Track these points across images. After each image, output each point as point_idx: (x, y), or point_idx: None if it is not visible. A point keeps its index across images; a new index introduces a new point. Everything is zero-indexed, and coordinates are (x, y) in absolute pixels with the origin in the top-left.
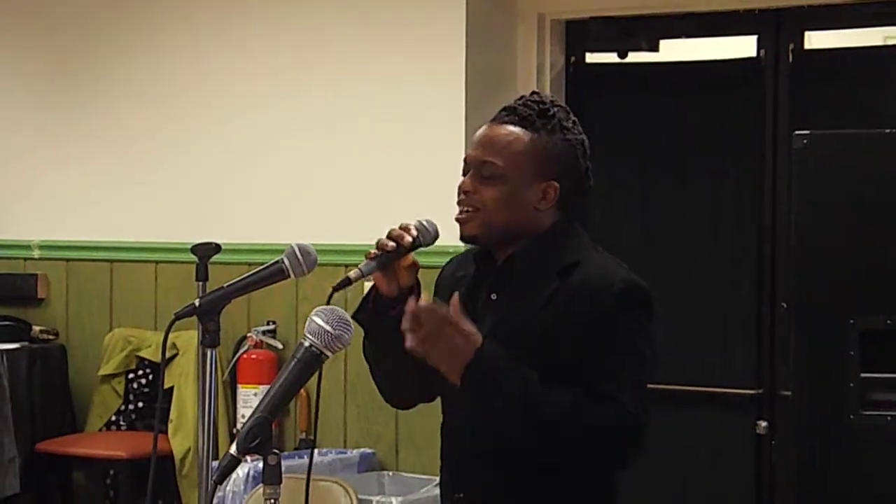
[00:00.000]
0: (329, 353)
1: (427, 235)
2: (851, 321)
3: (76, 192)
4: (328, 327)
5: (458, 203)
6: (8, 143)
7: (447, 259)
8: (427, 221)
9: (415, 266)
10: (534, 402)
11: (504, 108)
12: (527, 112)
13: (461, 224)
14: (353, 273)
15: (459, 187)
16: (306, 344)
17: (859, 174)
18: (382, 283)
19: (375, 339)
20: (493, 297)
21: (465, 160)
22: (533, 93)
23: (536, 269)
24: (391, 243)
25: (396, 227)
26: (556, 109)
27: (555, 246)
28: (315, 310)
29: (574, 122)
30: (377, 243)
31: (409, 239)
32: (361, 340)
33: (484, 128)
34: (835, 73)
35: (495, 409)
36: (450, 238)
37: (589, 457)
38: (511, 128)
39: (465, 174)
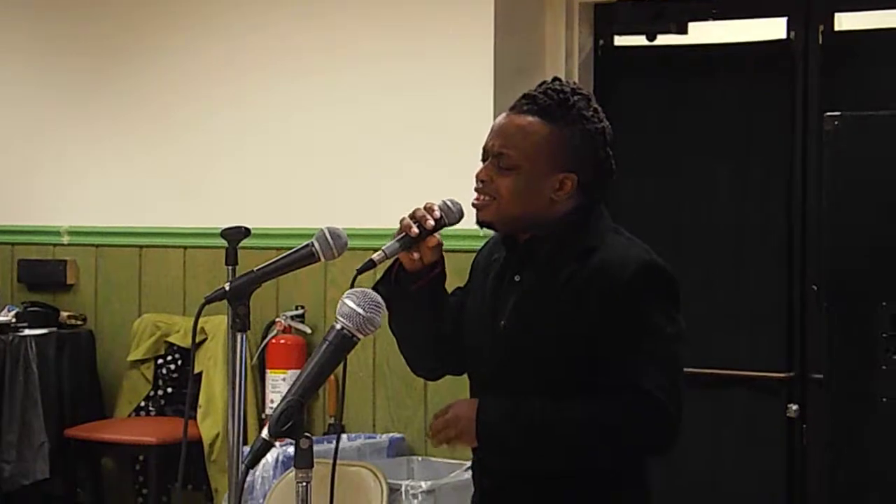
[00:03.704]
0: (361, 336)
1: (451, 215)
2: (883, 304)
3: (105, 178)
4: (360, 310)
5: (475, 190)
6: (37, 130)
7: (473, 243)
8: (451, 201)
9: (439, 244)
10: (550, 427)
11: (524, 96)
12: (546, 102)
13: (477, 210)
14: (376, 255)
15: (476, 175)
16: (338, 327)
17: (890, 156)
18: (406, 260)
19: (397, 312)
20: (517, 278)
21: (484, 148)
22: (554, 79)
23: (558, 252)
24: (415, 228)
25: (420, 206)
26: (576, 98)
27: (576, 229)
28: (346, 292)
29: (595, 109)
30: (401, 222)
31: (432, 222)
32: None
33: (503, 116)
34: (865, 55)
35: (516, 446)
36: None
37: (623, 451)
38: (530, 118)
39: (483, 161)
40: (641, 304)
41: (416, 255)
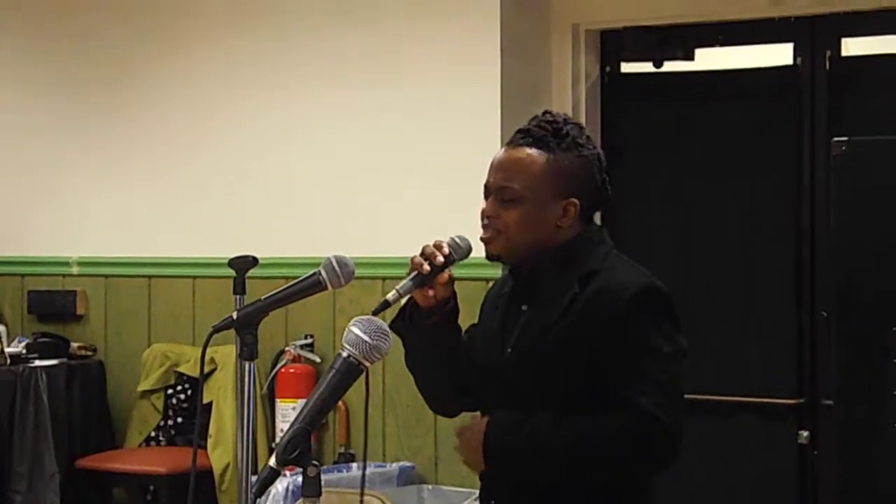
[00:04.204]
0: (367, 364)
1: (459, 251)
2: (894, 329)
3: (114, 209)
4: (366, 337)
5: (483, 227)
6: (45, 161)
7: (483, 272)
8: (459, 237)
9: (451, 280)
10: (547, 444)
11: (518, 131)
12: (541, 133)
13: (486, 244)
14: (390, 295)
15: (482, 212)
16: (344, 354)
17: None
18: (419, 297)
19: (413, 348)
20: (524, 308)
21: (485, 185)
22: (545, 112)
23: (560, 278)
24: (426, 266)
25: (430, 244)
26: (569, 127)
27: (577, 255)
28: (353, 320)
29: (588, 137)
30: (412, 261)
31: (441, 259)
32: (402, 353)
33: (501, 152)
34: (872, 80)
35: (518, 457)
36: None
37: (623, 467)
38: (527, 150)
39: (486, 198)
40: (640, 326)
41: (429, 293)
